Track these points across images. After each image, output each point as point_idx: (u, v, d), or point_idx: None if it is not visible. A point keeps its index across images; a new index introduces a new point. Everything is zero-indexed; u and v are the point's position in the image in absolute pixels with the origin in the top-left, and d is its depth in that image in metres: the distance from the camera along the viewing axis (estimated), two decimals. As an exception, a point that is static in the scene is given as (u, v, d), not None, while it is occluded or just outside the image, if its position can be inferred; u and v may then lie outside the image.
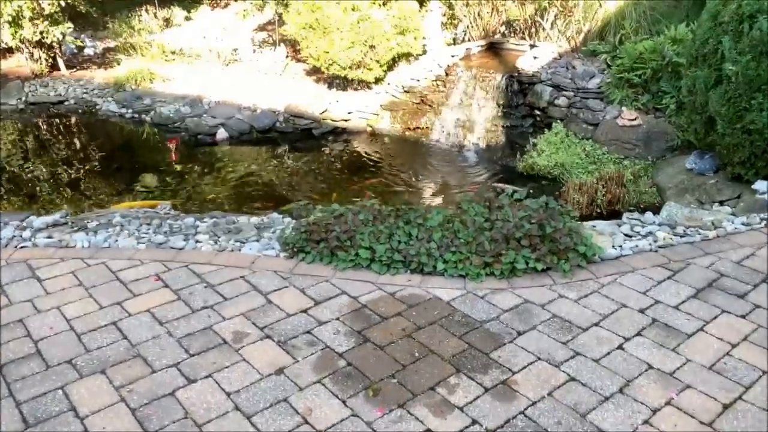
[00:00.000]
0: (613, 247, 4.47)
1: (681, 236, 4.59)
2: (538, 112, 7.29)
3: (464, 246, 4.14)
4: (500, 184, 6.42)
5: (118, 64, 10.31)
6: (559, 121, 7.02)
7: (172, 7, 12.26)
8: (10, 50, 10.55)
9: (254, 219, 5.12)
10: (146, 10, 11.41)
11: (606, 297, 3.82)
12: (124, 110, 8.89)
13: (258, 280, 4.08)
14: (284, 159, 7.54)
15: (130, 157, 7.56)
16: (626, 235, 4.68)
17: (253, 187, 6.70)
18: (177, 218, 5.19)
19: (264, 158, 7.55)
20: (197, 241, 4.71)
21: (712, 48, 4.94)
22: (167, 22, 11.90)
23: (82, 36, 12.31)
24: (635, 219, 4.93)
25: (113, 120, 8.83)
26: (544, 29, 8.43)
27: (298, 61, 10.35)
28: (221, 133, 7.94)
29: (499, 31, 8.93)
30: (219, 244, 4.66)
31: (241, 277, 4.12)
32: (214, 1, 13.70)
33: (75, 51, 11.73)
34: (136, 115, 8.79)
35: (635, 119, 6.52)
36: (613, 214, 5.81)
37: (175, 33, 11.89)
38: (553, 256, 4.10)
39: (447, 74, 7.89)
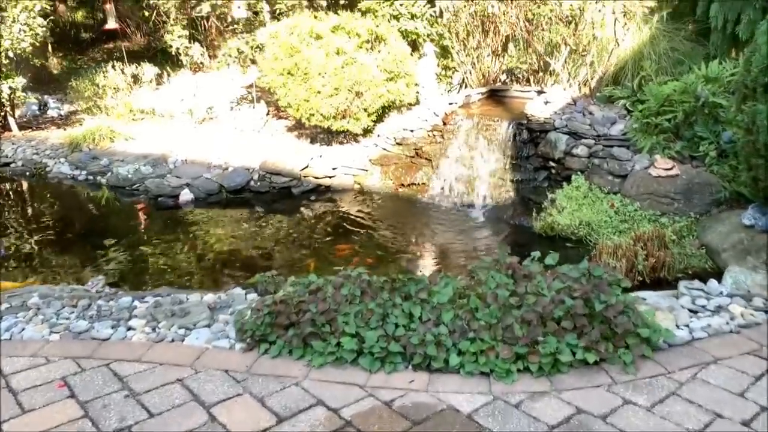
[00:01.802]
0: (679, 326, 3.47)
1: (765, 311, 3.60)
2: (552, 164, 6.41)
3: (486, 331, 3.12)
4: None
5: (80, 124, 9.47)
6: (579, 173, 6.13)
7: (142, 64, 11.58)
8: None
9: (208, 297, 4.11)
10: (113, 67, 10.68)
11: (689, 402, 2.79)
12: (77, 172, 7.97)
13: (201, 384, 3.01)
14: (257, 222, 6.56)
15: (66, 225, 6.56)
16: (690, 310, 3.69)
17: (216, 255, 5.68)
18: (111, 298, 4.16)
19: (233, 222, 6.57)
20: (129, 329, 3.68)
21: (776, 75, 4.08)
22: (135, 79, 11.16)
23: (46, 97, 11.58)
24: (697, 289, 3.94)
25: (65, 183, 7.88)
26: (551, 73, 7.68)
27: (280, 117, 9.58)
28: (185, 195, 6.99)
29: (500, 79, 8.20)
30: (157, 332, 3.63)
31: (178, 380, 3.06)
32: (195, 65, 13.11)
33: (37, 112, 10.96)
34: (91, 177, 7.85)
35: (671, 168, 5.63)
36: (658, 283, 4.83)
37: (150, 94, 11.16)
38: (608, 343, 3.09)
39: (445, 123, 7.06)
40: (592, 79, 7.17)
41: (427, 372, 3.02)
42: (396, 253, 5.69)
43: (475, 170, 6.66)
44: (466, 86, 8.81)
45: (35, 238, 6.17)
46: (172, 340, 3.48)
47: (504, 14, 6.99)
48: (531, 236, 5.88)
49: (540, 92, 7.37)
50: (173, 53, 12.46)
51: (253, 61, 9.07)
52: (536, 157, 6.53)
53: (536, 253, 3.70)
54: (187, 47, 12.26)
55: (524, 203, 6.35)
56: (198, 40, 13.16)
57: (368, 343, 3.07)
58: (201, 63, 13.19)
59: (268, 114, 9.78)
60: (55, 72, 14.17)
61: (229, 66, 9.49)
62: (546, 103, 6.64)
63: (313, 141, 7.97)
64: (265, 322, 3.28)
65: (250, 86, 11.57)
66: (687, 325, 3.45)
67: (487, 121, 6.70)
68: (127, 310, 3.88)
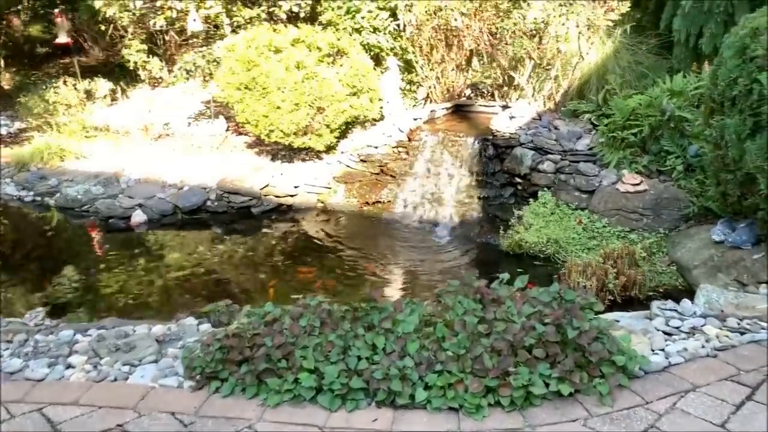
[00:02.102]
0: (654, 350, 3.34)
1: (740, 332, 3.50)
2: (519, 180, 6.30)
3: (454, 362, 2.94)
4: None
5: (29, 142, 9.04)
6: (546, 189, 6.04)
7: (96, 78, 11.20)
8: None
9: (157, 328, 3.84)
10: (65, 83, 10.28)
11: (670, 436, 2.63)
12: (23, 193, 7.57)
13: (144, 430, 2.75)
14: (214, 244, 6.29)
15: (9, 251, 6.19)
16: (665, 332, 3.57)
17: (169, 281, 5.40)
18: (51, 331, 3.85)
19: (188, 244, 6.29)
20: (68, 367, 3.39)
21: (744, 89, 4.03)
22: (89, 95, 10.77)
23: (-7, 114, 11.10)
24: (670, 310, 3.83)
25: (11, 205, 7.47)
26: (516, 88, 7.61)
27: (239, 133, 9.32)
28: (138, 216, 6.67)
29: (464, 94, 8.10)
30: (99, 369, 3.36)
31: (118, 426, 2.81)
32: (154, 80, 12.76)
33: (-17, 131, 10.47)
34: (38, 198, 7.46)
35: (639, 184, 5.57)
36: (629, 302, 4.74)
37: (104, 110, 10.78)
38: (582, 373, 2.93)
39: (410, 139, 6.91)
40: (556, 93, 7.12)
41: (392, 408, 2.81)
42: (360, 275, 5.49)
43: (441, 187, 6.52)
44: (430, 101, 8.70)
45: None
46: (115, 379, 3.21)
47: (467, 28, 6.90)
48: (498, 254, 5.75)
49: (505, 107, 7.29)
50: (131, 68, 12.13)
51: (211, 76, 8.80)
52: (502, 174, 6.42)
53: (504, 276, 3.54)
54: (145, 61, 11.92)
55: (491, 221, 6.22)
56: (157, 54, 12.83)
57: (328, 379, 2.85)
58: (160, 78, 12.86)
59: (227, 130, 9.51)
60: (6, 87, 13.63)
61: (187, 80, 9.22)
62: (511, 118, 6.55)
63: (274, 158, 7.73)
64: (215, 357, 3.04)
65: (209, 101, 11.31)
66: (662, 349, 3.33)
67: (452, 137, 6.58)
68: (67, 345, 3.59)
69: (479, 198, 6.35)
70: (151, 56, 12.21)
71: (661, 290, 4.84)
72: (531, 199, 6.04)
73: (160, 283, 5.36)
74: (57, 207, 7.18)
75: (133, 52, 11.71)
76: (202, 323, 3.97)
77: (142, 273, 5.55)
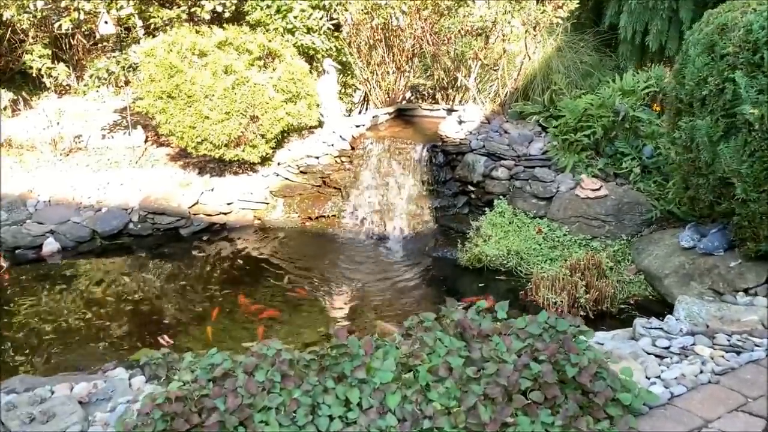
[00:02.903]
0: (649, 378, 3.10)
1: (735, 351, 3.30)
2: (472, 188, 6.04)
3: (444, 416, 2.58)
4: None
5: None
6: (501, 197, 5.80)
7: (-6, 88, 10.21)
8: None
9: (80, 387, 3.29)
10: (-45, 92, 9.30)
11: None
12: None
13: None
14: (139, 273, 5.68)
15: None
16: (655, 355, 3.35)
17: (89, 321, 4.78)
18: (-55, 398, 3.22)
19: (110, 274, 5.65)
20: (-32, 449, 2.79)
21: (715, 89, 3.88)
22: (-14, 106, 9.79)
23: None
24: (655, 328, 3.62)
25: None
26: (459, 89, 7.37)
27: (161, 144, 8.66)
28: (50, 244, 5.97)
29: (404, 97, 7.78)
30: (8, 450, 2.77)
31: None
32: (61, 88, 11.78)
33: None
34: (-72, 228, 6.57)
35: (599, 189, 5.40)
36: (601, 317, 4.54)
37: (6, 123, 9.80)
38: (587, 417, 2.61)
39: (353, 148, 6.51)
40: (503, 94, 6.90)
41: (375, 478, 2.42)
42: (309, 301, 5.03)
43: (390, 199, 6.17)
44: (367, 104, 8.34)
45: None
46: (29, 462, 2.66)
47: (409, 26, 6.57)
48: (457, 270, 5.45)
49: (450, 110, 7.02)
50: (34, 75, 11.15)
51: (127, 83, 8.11)
52: (454, 182, 6.15)
53: (482, 303, 3.21)
54: (50, 68, 10.97)
55: (445, 233, 5.92)
56: (63, 59, 11.86)
57: (297, 448, 2.42)
58: (68, 85, 11.90)
59: (146, 141, 8.82)
60: None
61: (99, 89, 8.46)
62: (460, 122, 6.27)
63: (201, 171, 7.16)
64: (157, 429, 2.55)
65: (124, 110, 10.52)
66: (659, 377, 3.09)
67: (399, 144, 6.24)
68: (-35, 418, 2.99)
69: (431, 209, 6.04)
70: (56, 62, 11.27)
71: (632, 302, 4.67)
72: (486, 209, 5.78)
73: (78, 324, 4.73)
74: (-49, 237, 6.35)
75: (36, 58, 10.75)
76: (135, 375, 3.46)
77: (57, 313, 4.89)
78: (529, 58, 6.61)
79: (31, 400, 3.08)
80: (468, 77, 6.81)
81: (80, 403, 3.13)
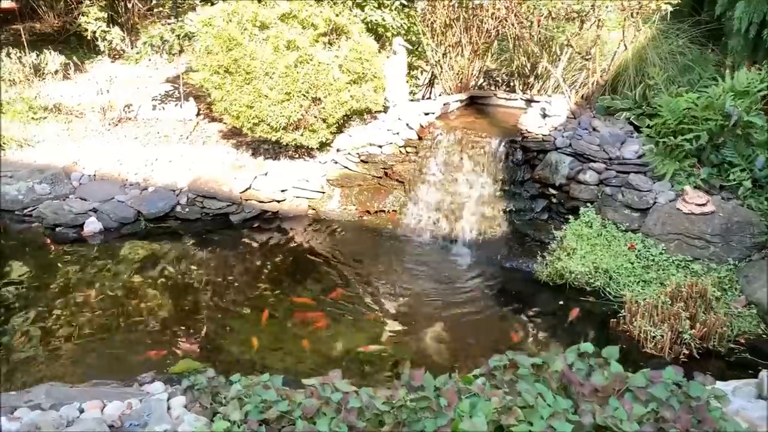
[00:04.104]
0: (793, 457, 2.54)
1: None
2: (553, 191, 5.47)
3: (552, 507, 2.07)
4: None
5: (-36, 124, 7.89)
6: (588, 204, 5.21)
7: (46, 51, 10.02)
8: None
9: (113, 408, 2.90)
10: (8, 55, 9.10)
11: None
12: (-49, 189, 6.46)
13: None
14: (184, 262, 5.33)
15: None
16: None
17: (126, 316, 4.43)
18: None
19: (152, 262, 5.30)
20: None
21: None
22: (37, 70, 9.60)
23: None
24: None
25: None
26: (539, 78, 6.76)
27: (213, 119, 8.30)
28: (92, 224, 5.67)
29: (475, 83, 7.20)
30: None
31: None
32: (114, 52, 11.58)
33: None
34: (-30, 197, 6.37)
35: (706, 204, 4.76)
36: (707, 356, 3.96)
37: (60, 86, 9.62)
38: None
39: (420, 138, 6.00)
40: (591, 86, 6.25)
41: None
42: (364, 312, 4.55)
43: (459, 197, 5.64)
44: (431, 88, 7.80)
45: None
46: None
47: (493, 6, 5.98)
48: (533, 284, 4.93)
49: (529, 101, 6.43)
50: (89, 38, 10.97)
51: (181, 52, 7.75)
52: (533, 183, 5.58)
53: (587, 346, 2.69)
54: (105, 31, 10.76)
55: (520, 240, 5.38)
56: (118, 23, 11.66)
57: None
58: (122, 50, 11.69)
59: (198, 115, 8.49)
60: None
61: (151, 58, 8.15)
62: (544, 116, 5.68)
63: (255, 153, 6.76)
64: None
65: (177, 79, 10.21)
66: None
67: (472, 137, 5.69)
68: (-17, 438, 2.65)
69: (505, 211, 5.50)
70: (111, 25, 11.06)
71: (742, 340, 4.07)
72: (570, 216, 5.20)
73: (115, 320, 4.38)
74: (-7, 209, 6.13)
75: (92, 21, 10.54)
76: (174, 395, 3.06)
77: (91, 304, 4.56)
78: (625, 48, 5.95)
79: (56, 423, 2.72)
80: (555, 65, 6.18)
81: (111, 427, 2.76)
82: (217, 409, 2.73)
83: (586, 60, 5.94)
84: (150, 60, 8.50)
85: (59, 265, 5.19)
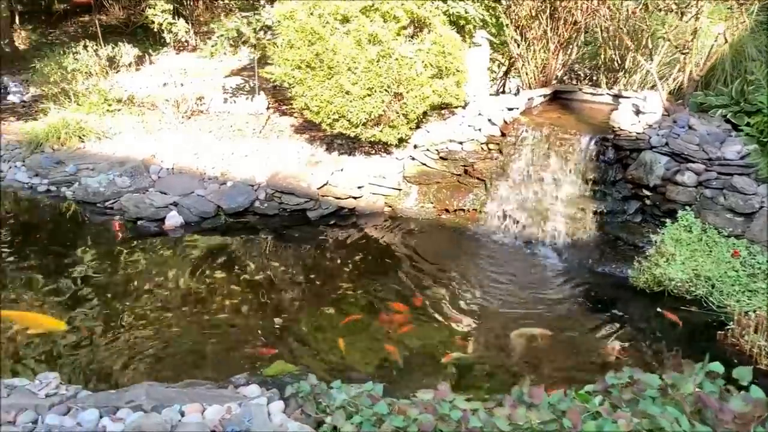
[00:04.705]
0: None
1: None
2: (647, 193, 5.23)
3: None
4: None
5: (45, 114, 8.13)
6: (686, 207, 4.94)
7: (120, 44, 10.24)
8: None
9: (212, 412, 2.89)
10: (85, 47, 9.32)
11: None
12: (36, 180, 6.66)
13: None
14: (265, 258, 5.33)
15: (13, 257, 5.23)
16: None
17: (212, 314, 4.43)
18: (69, 407, 2.93)
19: (234, 257, 5.33)
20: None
21: None
22: (112, 62, 9.82)
23: (6, 78, 10.21)
24: None
25: (21, 194, 6.56)
26: (628, 72, 6.48)
27: (283, 113, 8.33)
28: (173, 218, 5.73)
29: (556, 77, 6.96)
30: (138, 492, 2.40)
31: None
32: (179, 44, 11.78)
33: (-6, 98, 9.61)
34: (53, 188, 6.55)
35: (821, 209, 4.45)
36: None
37: (128, 78, 9.84)
38: None
39: (503, 134, 5.84)
40: (685, 82, 5.94)
41: None
42: (445, 317, 4.41)
43: (545, 197, 5.46)
44: (505, 81, 7.60)
45: None
46: None
47: (583, -2, 5.74)
48: (626, 291, 4.72)
49: (617, 96, 6.17)
50: (155, 30, 11.18)
51: (255, 46, 7.75)
52: (625, 183, 5.34)
53: (715, 366, 2.51)
54: (171, 23, 10.95)
55: (611, 243, 5.16)
56: (183, 15, 11.84)
57: None
58: (186, 42, 11.88)
59: (268, 108, 8.52)
60: (21, 47, 12.73)
61: (225, 51, 8.20)
62: (637, 112, 5.43)
63: (329, 148, 6.72)
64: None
65: (242, 71, 10.28)
66: None
67: (560, 134, 5.48)
68: (90, 438, 2.66)
69: (595, 213, 5.28)
70: (176, 18, 11.23)
71: None
72: (665, 219, 4.95)
73: (202, 317, 4.39)
74: (75, 200, 6.27)
75: (158, 13, 10.75)
76: (273, 400, 3.02)
77: (178, 299, 4.60)
78: (726, 41, 5.62)
79: (161, 427, 2.70)
80: (649, 59, 5.90)
81: None
82: (322, 418, 2.67)
83: (684, 54, 5.64)
84: (225, 52, 8.54)
85: (142, 259, 5.26)
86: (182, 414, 2.88)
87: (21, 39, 13.13)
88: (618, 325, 4.33)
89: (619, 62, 6.48)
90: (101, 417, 2.83)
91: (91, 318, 4.30)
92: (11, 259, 5.14)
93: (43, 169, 6.74)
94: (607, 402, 2.56)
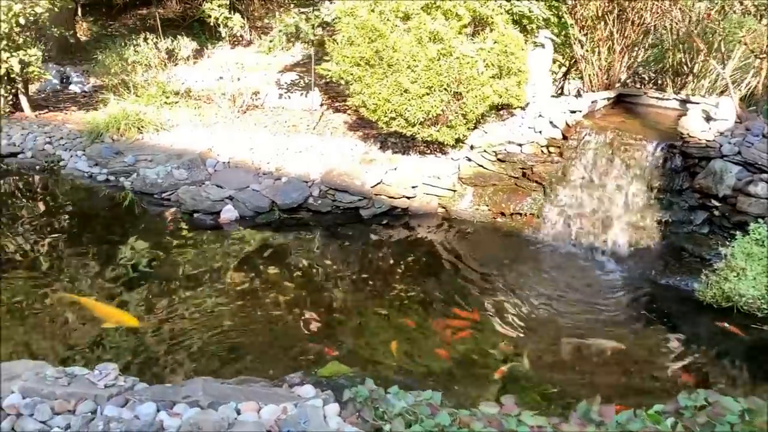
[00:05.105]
0: None
1: None
2: (716, 203, 5.02)
3: None
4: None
5: (105, 105, 8.31)
6: (759, 220, 4.72)
7: (179, 37, 10.41)
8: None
9: (268, 411, 2.89)
10: (145, 40, 9.50)
11: None
12: (96, 170, 6.79)
13: None
14: (318, 255, 5.32)
15: (72, 244, 5.34)
16: None
17: (267, 309, 4.43)
18: (127, 399, 2.95)
19: (288, 253, 5.32)
20: (152, 478, 2.45)
21: None
22: (171, 55, 9.98)
23: (68, 69, 10.47)
24: None
25: (81, 183, 6.70)
26: (697, 77, 6.24)
27: (336, 110, 8.32)
28: (228, 212, 5.76)
29: (619, 80, 6.75)
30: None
31: None
32: (234, 39, 11.92)
33: (58, 87, 9.87)
34: (112, 178, 6.67)
35: None
36: None
37: (184, 71, 10.00)
38: None
39: (565, 137, 5.69)
40: (759, 87, 5.69)
41: None
42: (499, 326, 4.28)
43: (607, 203, 5.30)
44: (563, 83, 7.41)
45: (17, 275, 4.87)
46: None
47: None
48: (692, 305, 4.53)
49: (684, 101, 5.95)
50: (211, 24, 11.33)
51: (312, 42, 7.76)
52: (692, 193, 5.13)
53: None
54: (227, 18, 11.08)
55: (676, 255, 4.98)
56: (238, 10, 11.97)
57: None
58: (241, 36, 12.01)
59: (321, 104, 8.53)
60: (83, 39, 13.08)
61: (283, 46, 8.24)
62: (708, 119, 5.21)
63: (383, 146, 6.67)
64: None
65: (295, 66, 10.32)
66: None
67: (625, 139, 5.31)
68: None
69: (659, 222, 5.10)
70: (232, 12, 11.36)
71: None
72: (735, 232, 4.73)
73: (255, 312, 4.39)
74: (133, 191, 6.37)
75: (215, 7, 10.87)
76: (328, 402, 2.98)
77: (233, 294, 4.61)
78: (806, 45, 5.36)
79: (218, 424, 2.68)
80: (723, 64, 5.66)
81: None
82: (380, 425, 2.61)
83: (760, 58, 5.39)
84: (281, 48, 8.58)
85: (197, 251, 5.31)
86: (238, 412, 2.87)
87: (83, 30, 13.48)
88: (683, 340, 4.15)
89: (689, 66, 6.24)
90: (158, 411, 2.84)
91: (145, 308, 4.35)
92: (70, 246, 5.26)
93: (102, 159, 6.88)
94: (680, 424, 2.44)
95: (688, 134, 5.17)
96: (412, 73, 5.44)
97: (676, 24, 5.75)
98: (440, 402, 2.85)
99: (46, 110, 8.61)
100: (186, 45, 10.36)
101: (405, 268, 5.19)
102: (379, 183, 6.02)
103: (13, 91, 7.99)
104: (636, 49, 6.39)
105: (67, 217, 5.92)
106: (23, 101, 8.06)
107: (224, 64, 10.40)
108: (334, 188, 5.96)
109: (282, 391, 3.17)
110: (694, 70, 6.32)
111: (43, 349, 3.84)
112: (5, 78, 7.75)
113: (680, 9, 5.54)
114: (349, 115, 7.96)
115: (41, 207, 6.24)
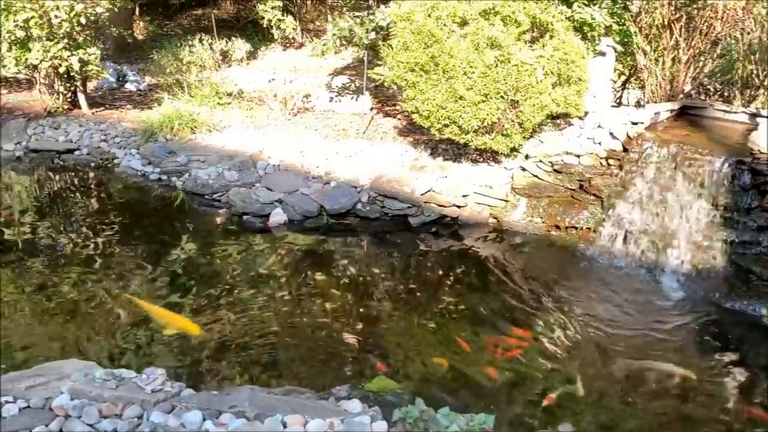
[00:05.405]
0: None
1: None
2: (787, 224, 4.74)
3: None
4: None
5: (159, 104, 8.44)
6: (835, 244, 4.45)
7: (233, 38, 10.53)
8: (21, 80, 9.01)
9: (315, 426, 2.81)
10: (200, 41, 9.62)
11: None
12: (149, 169, 6.87)
13: None
14: (366, 263, 5.24)
15: (123, 244, 5.38)
16: None
17: (313, 317, 4.37)
18: (174, 405, 2.92)
19: (337, 260, 5.26)
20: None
21: None
22: (225, 56, 10.10)
23: (125, 67, 10.69)
24: None
25: (134, 181, 6.79)
26: (766, 90, 5.95)
27: (386, 114, 8.25)
28: (277, 215, 5.74)
29: (683, 91, 6.49)
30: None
31: None
32: (286, 40, 12.00)
33: (114, 85, 10.07)
34: (164, 177, 6.74)
35: None
36: None
37: (236, 72, 10.11)
38: None
39: (626, 150, 5.47)
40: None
41: None
42: (550, 348, 4.12)
43: (668, 220, 5.07)
44: (621, 92, 7.17)
45: (71, 274, 4.93)
46: None
47: (725, 7, 5.30)
48: (757, 332, 4.30)
49: (755, 115, 5.67)
50: (264, 26, 11.42)
51: (366, 46, 7.71)
52: (761, 212, 4.87)
53: None
54: (280, 20, 11.16)
55: (743, 277, 4.72)
56: (292, 12, 12.04)
57: None
58: (293, 38, 12.07)
59: (371, 109, 8.47)
60: (140, 38, 13.37)
61: (337, 49, 8.22)
62: (781, 135, 4.94)
63: (433, 153, 6.57)
64: None
65: (346, 69, 10.29)
66: None
67: (690, 153, 5.07)
68: (193, 445, 2.62)
69: (725, 242, 4.85)
70: (285, 14, 11.43)
71: None
72: (808, 256, 4.48)
73: (301, 319, 4.33)
74: (184, 191, 6.42)
75: (268, 9, 10.98)
76: (375, 419, 2.89)
77: (280, 300, 4.56)
78: None
79: (262, 435, 2.62)
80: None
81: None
82: (432, 449, 2.52)
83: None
84: (335, 52, 8.56)
85: (245, 254, 5.30)
86: (284, 425, 2.80)
87: (139, 29, 13.78)
88: (751, 371, 3.92)
89: (760, 78, 5.96)
90: (204, 420, 2.80)
91: (192, 312, 4.34)
92: (122, 244, 5.31)
93: (155, 158, 6.96)
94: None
95: (758, 150, 4.91)
96: (468, 79, 5.31)
97: (748, 33, 5.48)
98: (493, 426, 2.74)
99: (103, 108, 8.79)
100: (240, 46, 10.47)
101: (454, 279, 5.06)
102: (428, 190, 5.92)
103: (72, 88, 8.18)
104: (702, 59, 6.13)
105: (119, 215, 5.99)
106: (81, 99, 8.24)
107: (276, 66, 10.48)
108: (383, 194, 5.88)
109: (328, 405, 3.10)
110: (765, 83, 6.02)
111: (92, 350, 3.86)
112: (65, 76, 7.96)
113: (754, 18, 5.28)
114: (399, 120, 7.88)
115: (95, 204, 6.34)
